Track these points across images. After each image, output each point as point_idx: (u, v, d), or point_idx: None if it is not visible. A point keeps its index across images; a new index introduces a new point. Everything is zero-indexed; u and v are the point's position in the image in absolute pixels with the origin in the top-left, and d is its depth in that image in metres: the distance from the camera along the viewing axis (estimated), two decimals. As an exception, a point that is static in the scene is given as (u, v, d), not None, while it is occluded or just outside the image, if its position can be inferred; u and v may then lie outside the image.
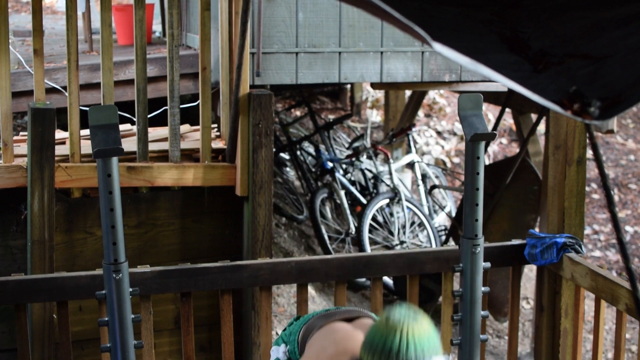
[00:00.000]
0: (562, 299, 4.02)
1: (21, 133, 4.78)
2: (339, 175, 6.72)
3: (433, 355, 2.10)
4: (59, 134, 4.32)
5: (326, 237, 6.48)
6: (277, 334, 5.34)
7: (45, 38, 4.78)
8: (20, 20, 9.43)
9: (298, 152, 7.37)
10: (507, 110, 6.84)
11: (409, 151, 7.61)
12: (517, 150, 7.96)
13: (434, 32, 1.16)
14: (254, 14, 4.44)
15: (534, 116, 6.55)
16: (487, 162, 8.57)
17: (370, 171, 7.18)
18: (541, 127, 7.33)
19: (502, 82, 1.24)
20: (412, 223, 6.72)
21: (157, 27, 6.97)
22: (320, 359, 2.40)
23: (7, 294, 3.34)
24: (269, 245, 4.15)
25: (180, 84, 4.18)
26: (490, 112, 10.47)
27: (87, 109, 3.00)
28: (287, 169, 7.71)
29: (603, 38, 1.35)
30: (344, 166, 7.05)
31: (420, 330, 2.11)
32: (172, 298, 4.16)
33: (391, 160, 7.10)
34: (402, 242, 6.56)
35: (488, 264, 3.42)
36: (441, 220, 7.36)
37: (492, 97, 6.28)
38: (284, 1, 4.56)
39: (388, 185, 6.97)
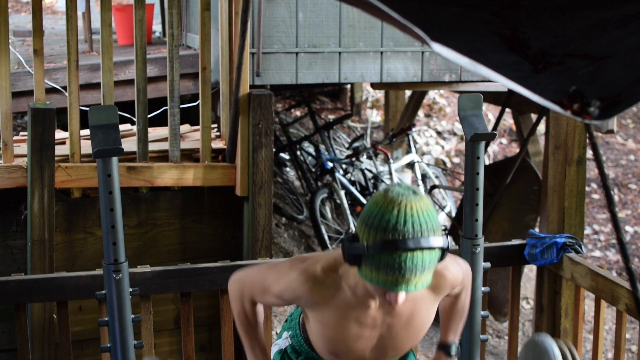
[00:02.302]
0: (562, 299, 4.02)
1: (21, 133, 4.78)
2: (339, 175, 6.72)
3: (432, 233, 1.96)
4: (59, 134, 4.32)
5: (326, 237, 6.48)
6: (276, 333, 5.34)
7: (45, 38, 4.78)
8: (20, 20, 9.43)
9: (298, 152, 7.37)
10: (507, 110, 6.83)
11: (409, 151, 7.61)
12: (517, 150, 7.96)
13: (433, 33, 1.16)
14: (254, 14, 4.44)
15: (534, 116, 6.55)
16: (487, 162, 8.57)
17: (370, 171, 7.18)
18: (541, 127, 7.33)
19: (502, 82, 1.24)
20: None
21: (157, 27, 6.97)
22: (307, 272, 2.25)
23: (7, 294, 3.34)
24: (269, 245, 4.15)
25: (180, 84, 4.18)
26: (490, 112, 10.47)
27: (87, 109, 3.01)
28: (287, 169, 7.71)
29: (603, 38, 1.35)
30: (344, 166, 7.05)
31: (419, 206, 1.97)
32: (172, 298, 4.16)
33: (391, 160, 7.10)
34: (402, 242, 6.54)
35: (488, 264, 3.43)
36: (441, 220, 7.36)
37: (492, 97, 6.27)
38: (284, 1, 4.56)
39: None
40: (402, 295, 2.03)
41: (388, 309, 2.23)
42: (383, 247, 1.95)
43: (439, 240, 1.99)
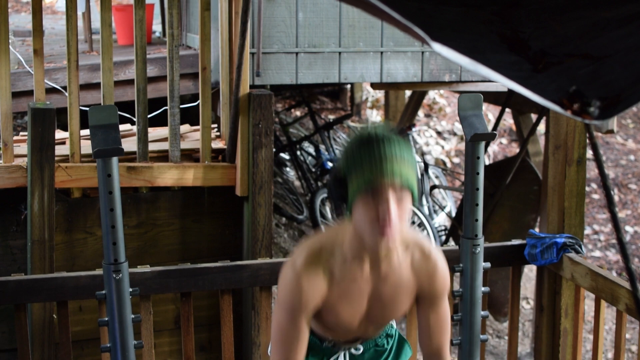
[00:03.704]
0: (562, 299, 4.02)
1: (21, 133, 4.78)
2: (339, 175, 6.71)
3: (406, 154, 2.13)
4: (59, 134, 4.32)
5: (326, 237, 6.46)
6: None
7: (45, 38, 4.78)
8: (20, 20, 9.43)
9: (298, 152, 7.37)
10: (507, 110, 6.84)
11: (409, 151, 7.59)
12: (517, 150, 7.96)
13: (433, 33, 1.16)
14: (254, 14, 4.44)
15: (534, 116, 6.55)
16: (487, 162, 8.57)
17: (370, 171, 7.16)
18: (541, 127, 7.33)
19: (502, 82, 1.24)
20: (412, 223, 6.72)
21: (157, 27, 6.97)
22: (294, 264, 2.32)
23: (7, 294, 3.34)
24: (269, 245, 4.15)
25: (180, 84, 4.18)
26: (490, 112, 10.47)
27: (87, 109, 3.01)
28: (287, 169, 7.71)
29: (603, 38, 1.35)
30: (344, 166, 7.03)
31: (393, 134, 2.17)
32: (172, 298, 4.16)
33: (391, 160, 7.08)
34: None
35: (488, 264, 3.43)
36: (441, 220, 7.36)
37: (492, 97, 6.27)
38: (284, 1, 4.56)
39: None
40: (393, 206, 2.08)
41: (377, 276, 2.29)
42: (361, 146, 2.12)
43: (411, 150, 2.18)
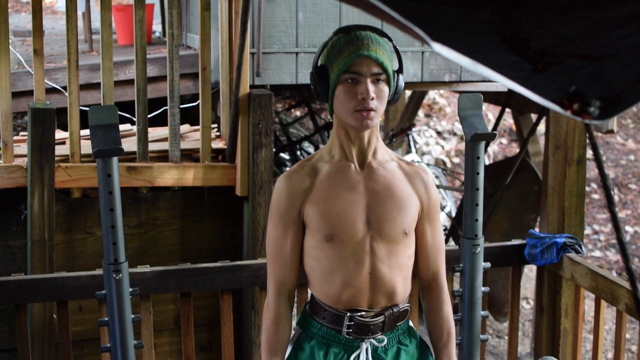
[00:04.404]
0: (562, 299, 4.02)
1: (21, 133, 4.78)
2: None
3: (382, 41, 2.27)
4: (59, 134, 4.32)
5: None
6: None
7: (45, 38, 4.78)
8: (20, 20, 9.44)
9: (298, 152, 7.37)
10: (507, 110, 6.84)
11: (409, 151, 7.61)
12: (517, 150, 7.96)
13: (433, 33, 1.16)
14: (254, 14, 4.44)
15: (534, 116, 6.55)
16: (487, 162, 8.57)
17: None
18: (541, 127, 7.33)
19: (502, 82, 1.24)
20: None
21: (157, 27, 6.97)
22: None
23: (7, 294, 3.34)
24: (269, 245, 4.15)
25: (180, 84, 4.18)
26: (490, 112, 10.47)
27: (87, 109, 3.01)
28: (287, 169, 7.71)
29: (603, 38, 1.35)
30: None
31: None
32: (172, 298, 4.16)
33: (391, 160, 7.08)
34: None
35: (488, 264, 3.43)
36: (441, 220, 7.36)
37: (492, 97, 6.28)
38: (284, 1, 4.56)
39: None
40: (370, 86, 2.21)
41: (368, 172, 2.34)
42: (340, 36, 2.26)
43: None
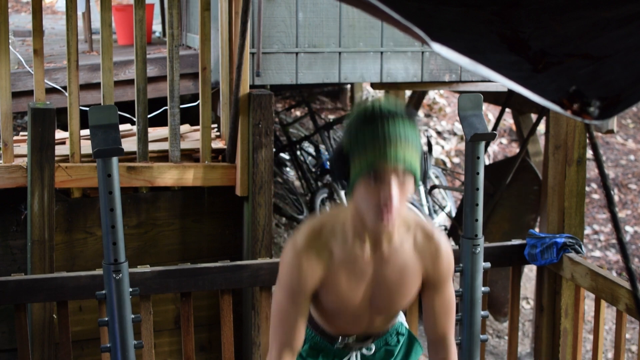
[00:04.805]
0: (562, 299, 4.02)
1: (21, 133, 4.78)
2: (339, 175, 6.70)
3: (410, 135, 2.08)
4: (59, 134, 4.32)
5: (326, 237, 6.46)
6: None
7: (45, 38, 4.78)
8: (20, 20, 9.43)
9: (298, 152, 7.37)
10: (507, 110, 6.83)
11: (409, 151, 7.59)
12: (517, 150, 7.96)
13: (433, 33, 1.16)
14: (254, 14, 4.44)
15: (534, 116, 6.55)
16: (487, 162, 8.57)
17: (370, 171, 7.16)
18: (541, 127, 7.33)
19: (502, 82, 1.24)
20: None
21: (157, 27, 6.96)
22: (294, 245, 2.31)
23: (7, 294, 3.34)
24: (269, 245, 4.15)
25: (180, 84, 4.18)
26: (490, 112, 10.47)
27: (87, 109, 3.01)
28: (287, 169, 7.70)
29: (603, 38, 1.35)
30: (344, 166, 7.03)
31: (392, 102, 2.14)
32: (172, 298, 4.16)
33: (391, 160, 7.08)
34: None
35: (488, 264, 3.43)
36: (441, 220, 7.36)
37: (492, 97, 6.27)
38: (284, 1, 4.56)
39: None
40: (394, 191, 2.07)
41: (379, 257, 2.28)
42: (364, 124, 2.08)
43: (415, 126, 2.12)
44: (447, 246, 2.35)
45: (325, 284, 2.28)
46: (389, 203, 2.07)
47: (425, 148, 2.19)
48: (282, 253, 2.32)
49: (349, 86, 9.89)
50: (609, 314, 6.78)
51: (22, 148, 4.09)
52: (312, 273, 2.25)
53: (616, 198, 9.43)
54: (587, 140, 3.91)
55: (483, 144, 3.20)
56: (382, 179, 2.07)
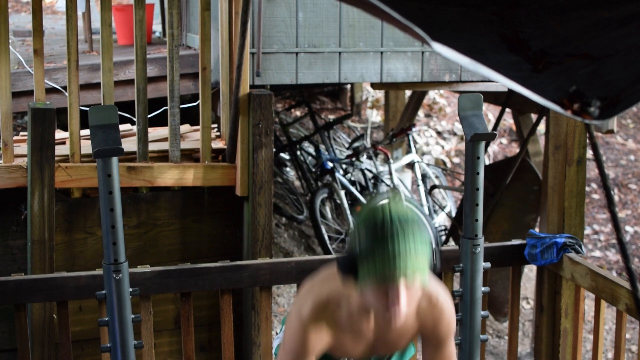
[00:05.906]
0: (562, 299, 4.02)
1: (21, 133, 4.78)
2: (339, 175, 6.72)
3: (420, 243, 2.08)
4: (59, 134, 4.32)
5: (326, 237, 6.48)
6: (276, 333, 5.34)
7: (45, 38, 4.78)
8: (20, 20, 9.43)
9: (298, 152, 7.37)
10: (507, 110, 6.83)
11: (409, 151, 7.61)
12: (517, 150, 7.96)
13: (433, 32, 1.16)
14: (254, 14, 4.44)
15: (534, 116, 6.55)
16: (487, 162, 8.57)
17: (370, 171, 7.18)
18: (541, 127, 7.33)
19: (502, 82, 1.24)
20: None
21: (157, 27, 6.96)
22: (308, 294, 2.39)
23: (7, 294, 3.34)
24: (269, 245, 4.15)
25: (180, 84, 4.18)
26: (490, 112, 10.47)
27: (87, 109, 3.01)
28: (287, 169, 7.70)
29: (603, 38, 1.35)
30: (344, 166, 7.04)
31: (401, 206, 2.12)
32: (172, 298, 4.16)
33: (391, 160, 7.10)
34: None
35: (488, 264, 3.43)
36: (441, 220, 7.36)
37: (492, 97, 6.27)
38: (284, 1, 4.56)
39: (388, 186, 6.97)
40: (403, 299, 2.10)
41: (382, 326, 2.37)
42: (374, 234, 2.06)
43: (425, 232, 2.12)
44: (450, 311, 2.42)
45: (330, 347, 2.38)
46: (398, 309, 2.12)
47: (434, 244, 2.20)
48: (288, 318, 2.39)
49: (349, 86, 9.89)
50: (609, 314, 6.78)
51: (22, 148, 4.09)
52: (318, 343, 2.34)
53: (616, 198, 9.43)
54: (587, 140, 3.91)
55: (483, 144, 3.20)
56: (391, 288, 2.10)
